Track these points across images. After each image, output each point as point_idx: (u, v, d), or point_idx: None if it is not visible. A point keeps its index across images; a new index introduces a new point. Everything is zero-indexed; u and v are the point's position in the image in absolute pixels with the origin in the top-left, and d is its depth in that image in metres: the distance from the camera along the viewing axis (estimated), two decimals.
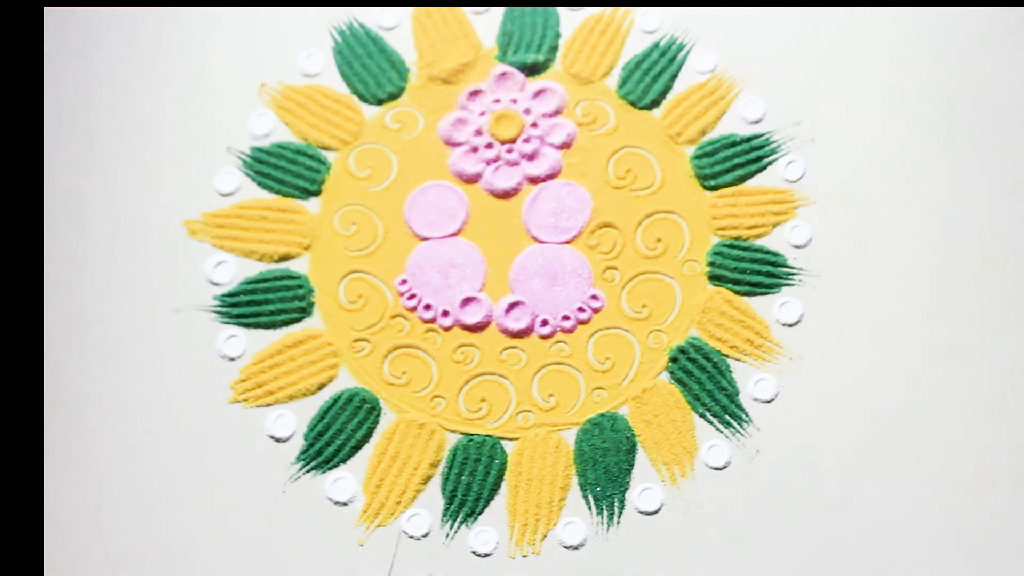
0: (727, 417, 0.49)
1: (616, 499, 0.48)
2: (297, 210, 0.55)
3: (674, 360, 0.51)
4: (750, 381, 0.50)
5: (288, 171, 0.55)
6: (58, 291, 0.53)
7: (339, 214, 0.55)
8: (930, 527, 0.47)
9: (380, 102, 0.57)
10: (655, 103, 0.56)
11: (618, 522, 0.48)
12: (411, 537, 0.48)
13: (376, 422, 0.51)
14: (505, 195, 0.55)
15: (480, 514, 0.49)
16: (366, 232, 0.54)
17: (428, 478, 0.49)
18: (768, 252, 0.52)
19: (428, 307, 0.52)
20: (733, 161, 0.54)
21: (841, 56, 0.56)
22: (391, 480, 0.49)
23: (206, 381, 0.51)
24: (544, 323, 0.52)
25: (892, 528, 0.47)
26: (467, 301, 0.52)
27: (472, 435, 0.50)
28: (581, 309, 0.52)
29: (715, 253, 0.52)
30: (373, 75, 0.57)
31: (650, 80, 0.56)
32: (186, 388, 0.51)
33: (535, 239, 0.54)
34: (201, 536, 0.49)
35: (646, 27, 0.57)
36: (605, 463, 0.49)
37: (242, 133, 0.56)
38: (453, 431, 0.50)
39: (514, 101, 0.56)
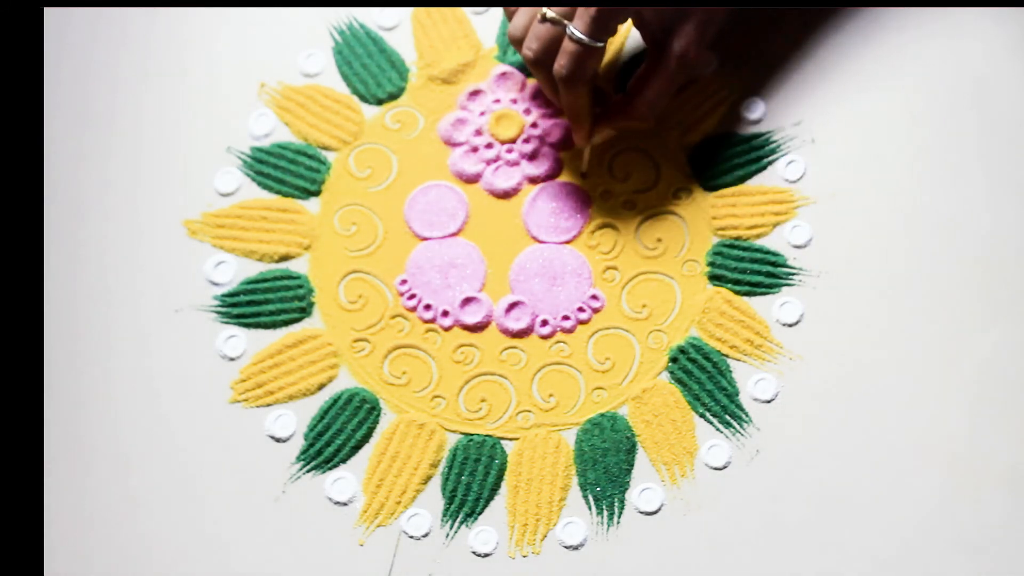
0: (727, 417, 0.49)
1: (616, 499, 0.48)
2: (297, 210, 0.55)
3: (674, 360, 0.51)
4: (750, 381, 0.50)
5: (288, 171, 0.55)
6: (58, 291, 0.53)
7: (339, 214, 0.55)
8: (931, 527, 0.47)
9: (380, 102, 0.57)
10: None
11: (618, 522, 0.48)
12: (411, 537, 0.48)
13: (376, 422, 0.51)
14: (505, 195, 0.55)
15: (480, 514, 0.49)
16: (366, 232, 0.54)
17: (428, 478, 0.49)
18: (768, 252, 0.52)
19: (428, 307, 0.52)
20: (733, 161, 0.54)
21: (842, 56, 0.56)
22: (391, 480, 0.49)
23: (206, 381, 0.51)
24: (544, 323, 0.52)
25: (893, 528, 0.47)
26: (467, 301, 0.52)
27: (472, 435, 0.50)
28: (581, 309, 0.52)
29: (715, 253, 0.52)
30: (373, 75, 0.57)
31: None
32: (186, 388, 0.51)
33: (535, 239, 0.54)
34: (201, 536, 0.49)
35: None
36: (605, 463, 0.49)
37: (242, 133, 0.56)
38: (453, 431, 0.50)
39: (514, 101, 0.56)
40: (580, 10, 0.48)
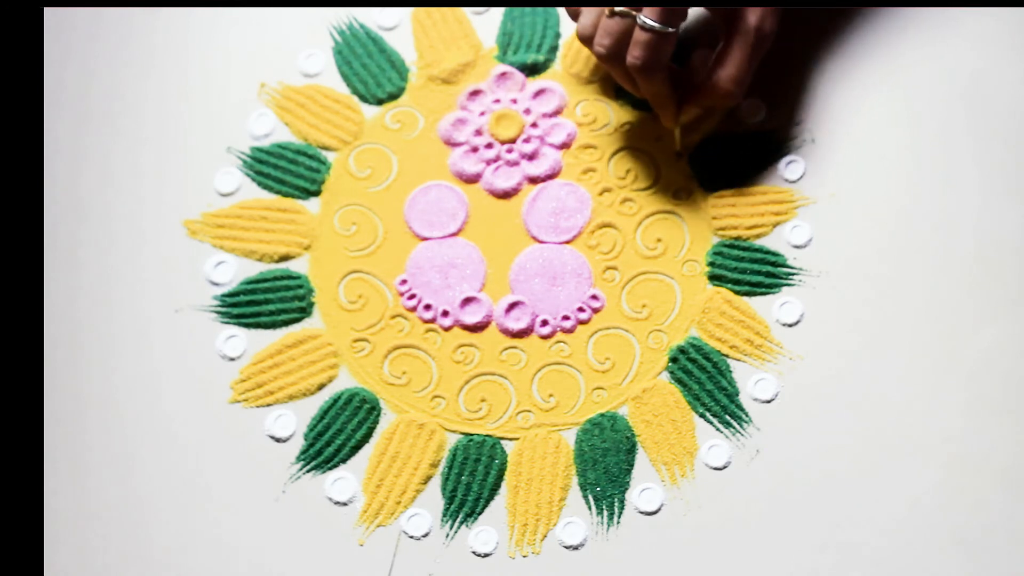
0: (727, 417, 0.49)
1: (616, 499, 0.48)
2: (297, 210, 0.55)
3: (674, 360, 0.51)
4: (750, 381, 0.50)
5: (288, 171, 0.55)
6: (58, 291, 0.53)
7: (339, 214, 0.55)
8: (931, 527, 0.47)
9: (380, 102, 0.57)
10: None
11: (618, 522, 0.48)
12: (411, 537, 0.48)
13: (376, 422, 0.51)
14: (505, 195, 0.55)
15: (480, 514, 0.49)
16: (366, 232, 0.54)
17: (428, 478, 0.49)
18: (768, 252, 0.52)
19: (428, 307, 0.52)
20: (733, 161, 0.54)
21: (841, 56, 0.56)
22: (391, 480, 0.49)
23: (206, 381, 0.51)
24: (544, 323, 0.52)
25: (893, 528, 0.47)
26: (467, 301, 0.52)
27: (472, 435, 0.50)
28: (581, 309, 0.52)
29: (715, 253, 0.52)
30: (373, 75, 0.57)
31: None
32: (186, 388, 0.51)
33: (535, 239, 0.54)
34: (201, 536, 0.49)
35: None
36: (605, 463, 0.49)
37: (242, 133, 0.56)
38: (453, 431, 0.50)
39: (514, 101, 0.56)
40: None
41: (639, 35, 0.48)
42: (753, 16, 0.49)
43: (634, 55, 0.49)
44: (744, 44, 0.50)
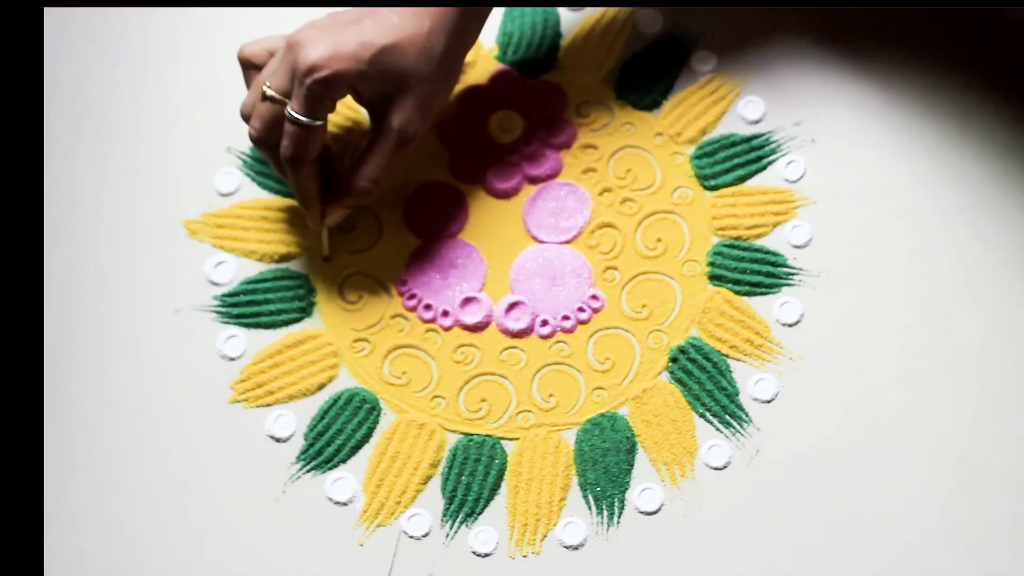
0: (727, 417, 0.49)
1: (616, 499, 0.48)
2: (297, 210, 0.55)
3: (674, 360, 0.51)
4: (750, 381, 0.50)
5: None
6: (58, 291, 0.53)
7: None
8: (931, 527, 0.47)
9: None
10: (655, 103, 0.56)
11: (618, 522, 0.48)
12: (411, 537, 0.48)
13: (376, 422, 0.51)
14: (505, 195, 0.55)
15: (480, 514, 0.49)
16: (366, 232, 0.54)
17: (428, 478, 0.49)
18: (768, 252, 0.52)
19: (428, 307, 0.52)
20: (733, 161, 0.54)
21: (842, 56, 0.56)
22: (391, 480, 0.49)
23: (206, 381, 0.51)
24: (544, 323, 0.52)
25: (893, 528, 0.47)
26: (467, 301, 0.52)
27: (472, 435, 0.50)
28: (581, 309, 0.52)
29: (715, 253, 0.52)
30: None
31: (650, 80, 0.56)
32: (186, 388, 0.51)
33: (535, 239, 0.54)
34: (201, 536, 0.49)
35: (647, 27, 0.58)
36: (605, 463, 0.49)
37: (242, 133, 0.56)
38: (453, 431, 0.50)
39: (514, 101, 0.56)
40: (295, 89, 0.46)
41: (287, 126, 0.47)
42: (397, 118, 0.48)
43: (283, 145, 0.47)
44: (385, 145, 0.49)
